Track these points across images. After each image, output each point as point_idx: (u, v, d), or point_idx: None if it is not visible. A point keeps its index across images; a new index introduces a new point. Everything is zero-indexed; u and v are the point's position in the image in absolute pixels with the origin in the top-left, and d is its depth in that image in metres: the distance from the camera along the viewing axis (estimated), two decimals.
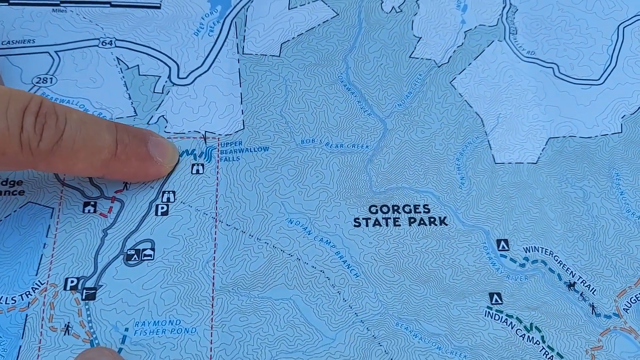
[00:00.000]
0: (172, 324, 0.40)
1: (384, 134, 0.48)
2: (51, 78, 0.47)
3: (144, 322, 0.40)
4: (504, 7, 0.54)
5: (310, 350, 0.40)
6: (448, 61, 0.51)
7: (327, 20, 0.52)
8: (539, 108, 0.50)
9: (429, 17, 0.53)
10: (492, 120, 0.49)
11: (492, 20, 0.53)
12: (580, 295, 0.44)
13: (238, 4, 0.52)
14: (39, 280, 0.41)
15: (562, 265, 0.45)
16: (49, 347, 0.39)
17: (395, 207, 0.45)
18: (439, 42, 0.52)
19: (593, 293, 0.44)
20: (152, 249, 0.42)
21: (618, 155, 0.48)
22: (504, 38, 0.52)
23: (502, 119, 0.50)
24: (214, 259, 0.42)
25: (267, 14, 0.52)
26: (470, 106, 0.50)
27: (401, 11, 0.53)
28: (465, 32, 0.53)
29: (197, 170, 0.45)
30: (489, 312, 0.43)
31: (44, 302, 0.40)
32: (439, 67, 0.51)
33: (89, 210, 0.43)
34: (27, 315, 0.40)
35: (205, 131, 0.47)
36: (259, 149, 0.46)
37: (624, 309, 0.44)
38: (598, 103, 0.50)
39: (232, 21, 0.51)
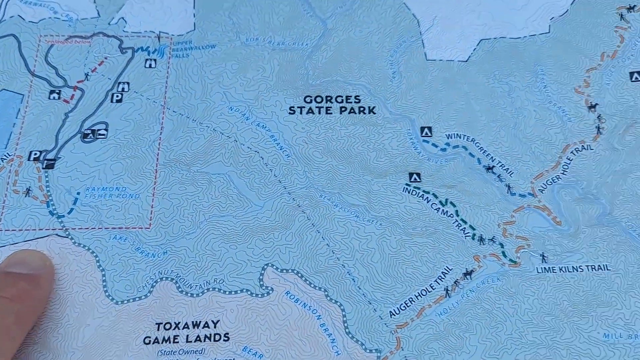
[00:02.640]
0: (118, 190, 0.46)
1: (324, 32, 0.52)
2: None
3: (94, 187, 0.46)
4: None
5: (240, 215, 0.46)
6: None
7: None
8: (473, 13, 0.53)
9: None
10: (427, 22, 0.53)
11: None
12: (498, 176, 0.48)
13: None
14: (7, 153, 0.47)
15: (482, 151, 0.49)
16: (11, 206, 0.45)
17: (329, 98, 0.50)
18: None
19: (510, 175, 0.48)
20: (106, 129, 0.48)
21: (544, 53, 0.51)
22: None
23: (437, 21, 0.53)
24: (160, 139, 0.48)
25: None
26: (409, 8, 0.53)
27: None
28: None
29: (150, 65, 0.51)
30: (407, 188, 0.47)
31: (9, 170, 0.46)
32: None
33: (54, 97, 0.49)
34: None
35: (160, 31, 0.52)
36: (207, 47, 0.51)
37: (539, 189, 0.48)
38: (529, 7, 0.53)
39: None
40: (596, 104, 0.49)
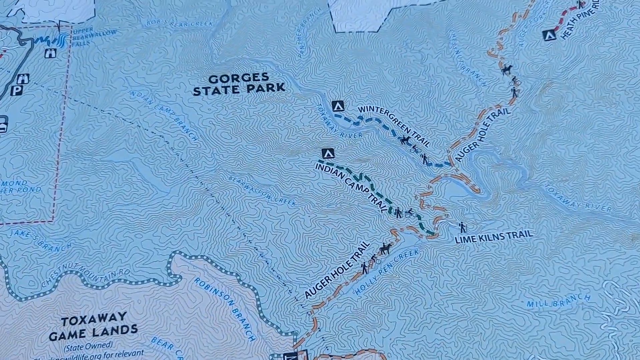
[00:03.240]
0: (18, 184, 0.44)
1: (228, 10, 0.50)
2: None
3: None
4: None
5: (145, 203, 0.44)
6: None
7: None
8: None
9: None
10: None
11: None
12: (413, 147, 0.47)
13: None
14: None
15: (397, 122, 0.47)
16: None
17: (235, 76, 0.48)
18: None
19: (426, 145, 0.47)
20: (5, 123, 0.46)
21: (455, 18, 0.50)
22: None
23: None
24: (61, 130, 0.46)
25: None
26: None
27: None
28: None
29: (50, 55, 0.49)
30: (320, 165, 0.46)
31: None
32: None
33: None
34: None
35: (60, 20, 0.50)
36: (107, 33, 0.49)
37: (456, 158, 0.46)
38: None
39: None
40: (510, 66, 0.48)
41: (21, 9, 0.50)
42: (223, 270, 0.42)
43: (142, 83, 0.47)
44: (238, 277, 0.42)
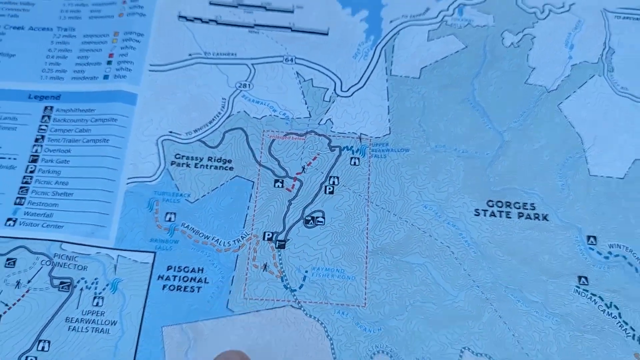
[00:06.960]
0: (338, 272, 0.55)
1: (502, 144, 0.61)
2: (249, 84, 0.63)
3: (319, 267, 0.55)
4: (604, 49, 0.66)
5: (439, 302, 0.54)
6: (557, 88, 0.64)
7: (458, 51, 0.65)
8: (628, 134, 0.62)
9: (542, 52, 0.66)
10: (589, 140, 0.62)
11: (594, 58, 0.66)
12: None
13: (387, 35, 0.66)
14: (245, 232, 0.56)
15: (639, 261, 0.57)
16: (253, 279, 0.55)
17: (508, 203, 0.59)
18: (550, 72, 0.65)
19: None
20: (323, 217, 0.57)
21: None
22: (603, 74, 0.65)
23: (598, 140, 0.62)
24: (367, 229, 0.57)
25: (410, 45, 0.66)
26: (573, 127, 0.62)
27: (519, 46, 0.66)
28: (572, 65, 0.65)
29: (354, 162, 0.60)
30: (577, 289, 0.56)
31: (249, 247, 0.56)
32: (549, 92, 0.64)
33: (278, 185, 0.59)
34: (237, 255, 0.55)
35: (361, 133, 0.61)
36: (402, 150, 0.61)
37: None
38: None
39: (382, 49, 0.66)
40: None
41: (330, 119, 0.62)
42: None
43: (432, 199, 0.58)
44: None
